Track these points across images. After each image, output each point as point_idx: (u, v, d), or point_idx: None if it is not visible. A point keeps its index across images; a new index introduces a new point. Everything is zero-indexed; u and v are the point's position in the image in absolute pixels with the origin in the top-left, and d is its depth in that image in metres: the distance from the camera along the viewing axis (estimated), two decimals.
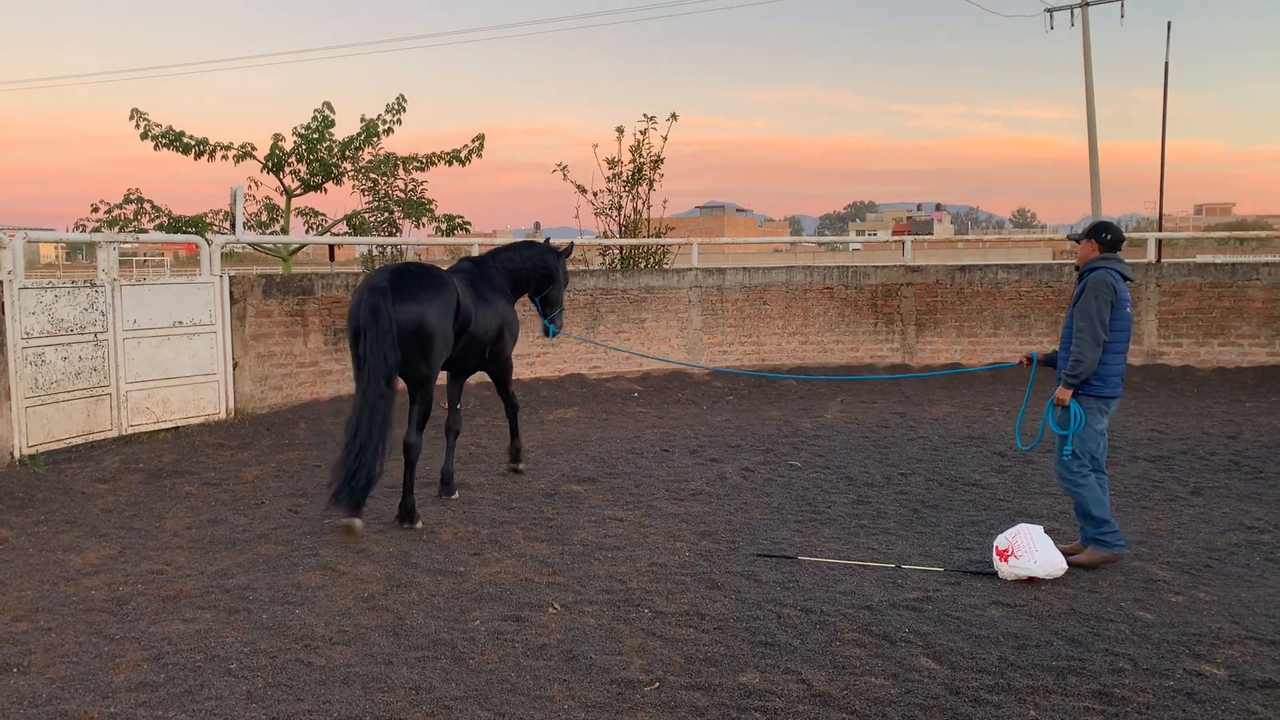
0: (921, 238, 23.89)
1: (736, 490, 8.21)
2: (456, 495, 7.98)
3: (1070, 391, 6.19)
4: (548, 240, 9.14)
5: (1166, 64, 19.51)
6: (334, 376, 11.65)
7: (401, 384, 7.29)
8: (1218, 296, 14.53)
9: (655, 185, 16.19)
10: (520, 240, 9.23)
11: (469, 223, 16.19)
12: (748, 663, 4.70)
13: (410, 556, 6.37)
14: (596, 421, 11.31)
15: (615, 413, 11.92)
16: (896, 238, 16.88)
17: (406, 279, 7.16)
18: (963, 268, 15.43)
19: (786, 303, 14.96)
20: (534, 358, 13.51)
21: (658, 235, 16.38)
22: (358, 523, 6.78)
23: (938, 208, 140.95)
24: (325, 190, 15.80)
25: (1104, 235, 6.38)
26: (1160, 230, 21.04)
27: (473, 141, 15.85)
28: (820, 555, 6.39)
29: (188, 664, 4.72)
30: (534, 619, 5.27)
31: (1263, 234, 30.15)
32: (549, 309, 8.94)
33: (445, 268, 8.17)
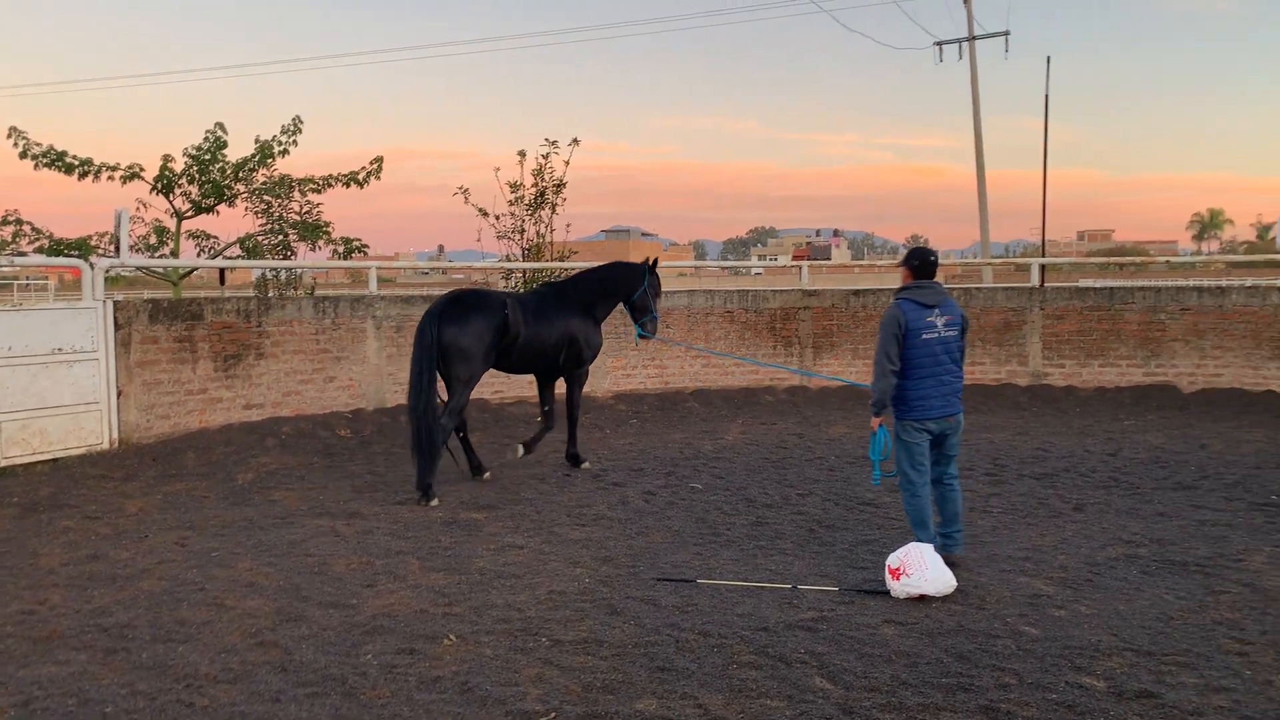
0: (819, 263, 24.41)
1: (638, 514, 8.21)
2: (586, 465, 10.11)
3: (877, 419, 6.61)
4: (649, 260, 10.59)
5: (1047, 96, 20.36)
6: (224, 404, 11.30)
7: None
8: (1097, 320, 15.17)
9: (558, 209, 16.20)
10: (609, 262, 10.75)
11: (367, 245, 15.93)
12: (645, 689, 4.69)
13: (301, 590, 6.19)
14: (498, 447, 11.18)
15: (518, 438, 11.81)
16: (795, 263, 17.21)
17: (453, 306, 9.13)
18: (857, 292, 15.79)
19: (689, 326, 15.08)
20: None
21: (561, 258, 16.36)
22: (434, 501, 8.60)
23: (835, 233, 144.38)
24: (218, 212, 15.36)
25: (913, 262, 6.73)
26: (1044, 256, 21.87)
27: (371, 163, 15.60)
28: (719, 578, 6.42)
29: (59, 709, 4.49)
30: (428, 651, 5.17)
31: (1139, 259, 31.69)
32: (637, 315, 10.38)
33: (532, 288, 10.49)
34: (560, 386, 10.40)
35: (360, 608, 5.86)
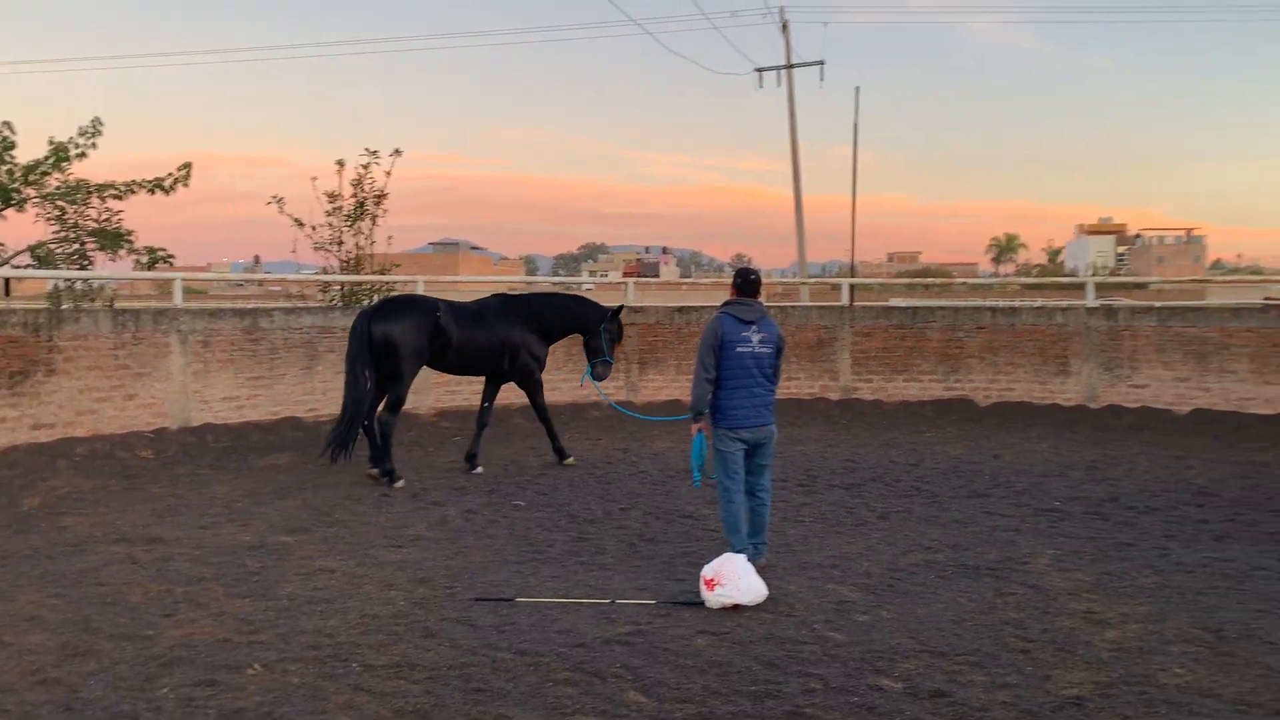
0: (647, 280, 24.82)
1: (458, 533, 8.10)
2: (479, 470, 10.53)
3: (696, 425, 6.96)
4: (616, 307, 11.09)
5: (855, 124, 21.48)
6: (8, 424, 10.47)
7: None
8: (901, 337, 16.00)
9: (378, 220, 15.82)
10: (568, 293, 11.68)
11: (172, 255, 15.08)
12: (459, 711, 4.63)
13: (91, 621, 5.80)
14: (313, 468, 10.78)
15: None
16: (624, 279, 17.52)
17: (386, 305, 10.13)
18: (681, 308, 16.13)
19: None
20: (244, 399, 12.77)
21: (382, 271, 16.00)
22: (400, 482, 9.68)
23: (664, 251, 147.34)
24: (5, 218, 14.25)
25: (737, 280, 7.14)
26: (853, 276, 22.97)
27: (179, 169, 14.83)
28: (538, 595, 6.41)
29: None
30: (230, 681, 4.94)
31: (942, 281, 33.67)
32: (590, 356, 10.98)
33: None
34: (515, 393, 11.40)
35: (157, 639, 5.53)
